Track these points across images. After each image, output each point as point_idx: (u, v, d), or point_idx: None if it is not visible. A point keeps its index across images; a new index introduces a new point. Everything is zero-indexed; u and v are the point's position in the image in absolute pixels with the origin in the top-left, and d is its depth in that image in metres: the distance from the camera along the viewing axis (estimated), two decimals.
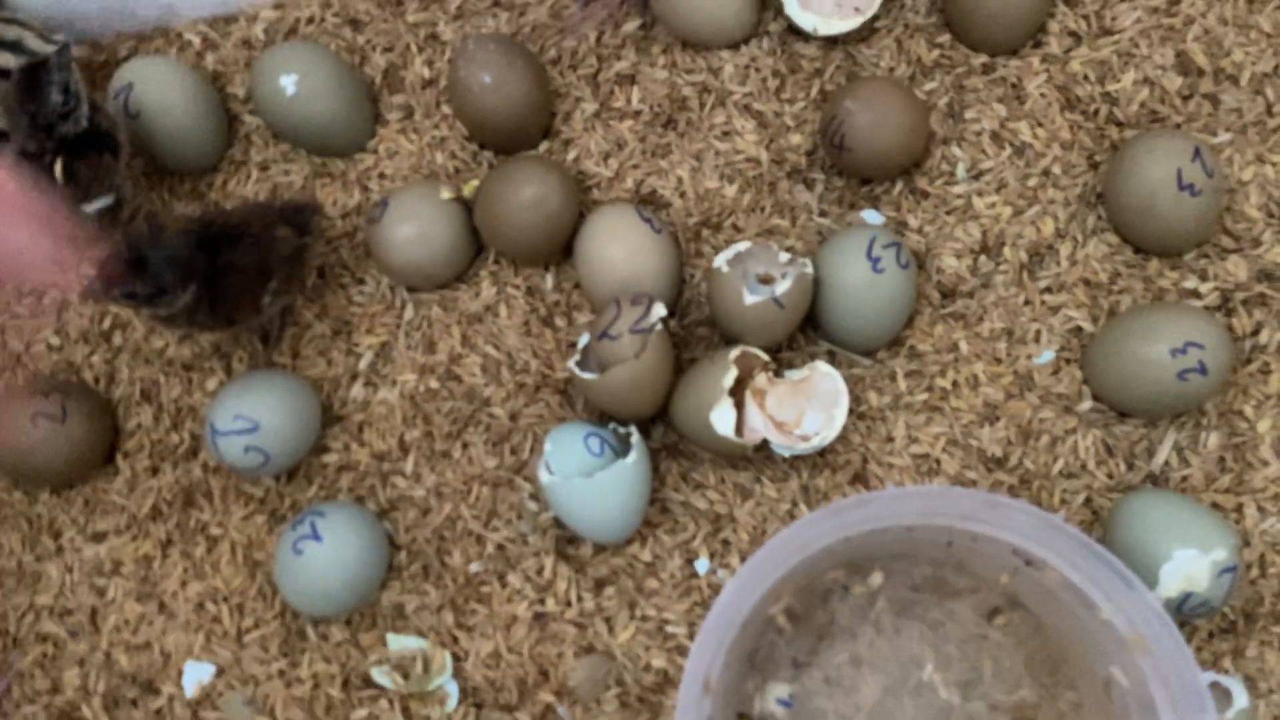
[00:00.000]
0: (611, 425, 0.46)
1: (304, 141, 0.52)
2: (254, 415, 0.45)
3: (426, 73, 0.53)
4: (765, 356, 0.45)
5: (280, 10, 0.55)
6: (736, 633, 0.38)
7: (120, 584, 0.48)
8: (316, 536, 0.44)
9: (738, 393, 0.44)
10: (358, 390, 0.49)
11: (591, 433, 0.45)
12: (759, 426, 0.44)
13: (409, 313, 0.50)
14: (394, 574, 0.47)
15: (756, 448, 0.44)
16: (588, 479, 0.43)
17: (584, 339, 0.46)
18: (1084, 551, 0.37)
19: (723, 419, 0.43)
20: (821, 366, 0.45)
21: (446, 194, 0.48)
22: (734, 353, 0.44)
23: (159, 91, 0.50)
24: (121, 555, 0.49)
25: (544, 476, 0.43)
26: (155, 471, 0.50)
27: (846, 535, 0.38)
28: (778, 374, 0.46)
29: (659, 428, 0.47)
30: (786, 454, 0.44)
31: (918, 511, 0.38)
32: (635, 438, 0.44)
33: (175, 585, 0.48)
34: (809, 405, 0.45)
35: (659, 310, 0.44)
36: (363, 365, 0.50)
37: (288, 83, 0.49)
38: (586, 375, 0.44)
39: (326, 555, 0.44)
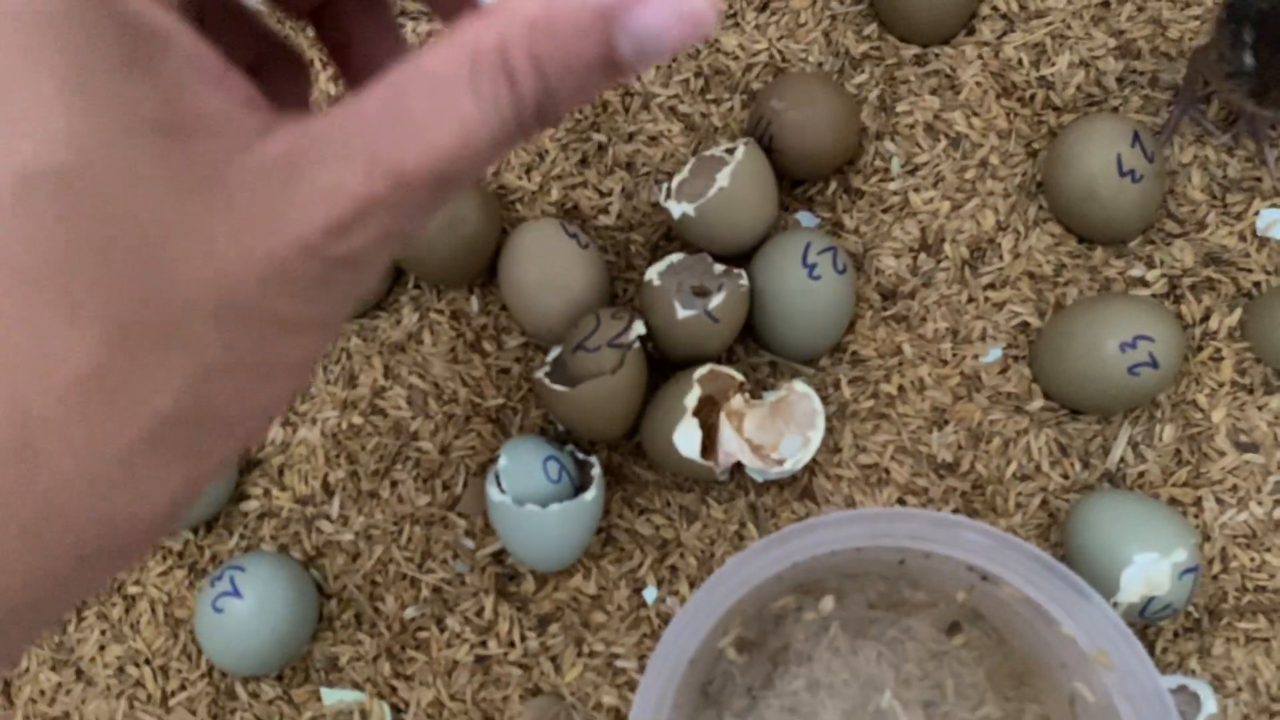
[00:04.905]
0: (569, 448, 0.43)
1: None
2: None
3: (333, 89, 0.50)
4: (739, 377, 0.42)
5: None
6: (685, 670, 0.36)
7: (34, 652, 0.45)
8: (236, 593, 0.41)
9: (711, 413, 0.42)
10: (275, 431, 0.46)
11: (551, 456, 0.42)
12: (735, 450, 0.42)
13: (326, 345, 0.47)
14: (325, 624, 0.44)
15: (731, 472, 0.42)
16: (542, 509, 0.40)
17: (554, 351, 0.43)
18: (1038, 566, 0.35)
19: (686, 439, 0.40)
20: (798, 386, 0.42)
21: None
22: (699, 371, 0.41)
23: None
24: None
25: (493, 494, 0.41)
26: None
27: (794, 562, 0.36)
28: (754, 395, 0.43)
29: (603, 451, 0.45)
30: (760, 478, 0.42)
31: (865, 534, 0.36)
32: (596, 470, 0.42)
33: (93, 650, 0.45)
34: (787, 428, 0.43)
35: (639, 328, 0.41)
36: None
37: None
38: (558, 388, 0.41)
39: (249, 612, 0.41)
